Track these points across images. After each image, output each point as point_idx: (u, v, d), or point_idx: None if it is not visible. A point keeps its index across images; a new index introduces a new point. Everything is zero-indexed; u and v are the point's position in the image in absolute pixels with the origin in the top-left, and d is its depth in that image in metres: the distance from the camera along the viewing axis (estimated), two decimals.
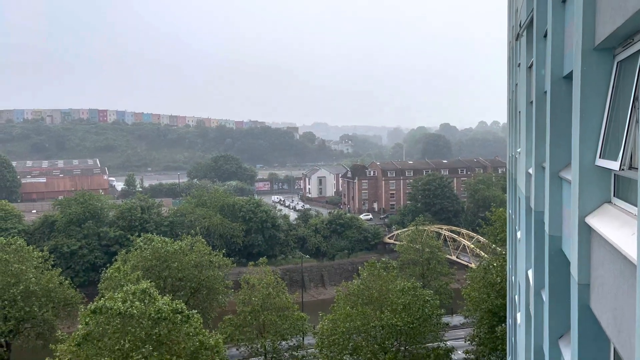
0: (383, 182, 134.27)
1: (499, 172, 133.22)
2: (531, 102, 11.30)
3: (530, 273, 11.32)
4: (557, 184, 8.04)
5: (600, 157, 5.38)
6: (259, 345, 41.98)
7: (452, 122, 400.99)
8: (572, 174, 6.01)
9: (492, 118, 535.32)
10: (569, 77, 7.39)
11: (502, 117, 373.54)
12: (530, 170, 11.45)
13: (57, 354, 31.30)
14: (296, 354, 42.80)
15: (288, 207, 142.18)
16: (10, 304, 45.02)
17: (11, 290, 44.99)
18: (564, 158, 7.86)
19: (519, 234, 16.20)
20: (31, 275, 46.76)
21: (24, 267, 46.88)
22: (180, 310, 32.52)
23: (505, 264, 35.58)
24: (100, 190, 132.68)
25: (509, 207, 24.39)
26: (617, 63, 5.19)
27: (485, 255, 60.20)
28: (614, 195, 5.31)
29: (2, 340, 46.60)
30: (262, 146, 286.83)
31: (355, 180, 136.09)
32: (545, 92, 9.05)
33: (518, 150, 17.08)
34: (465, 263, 79.54)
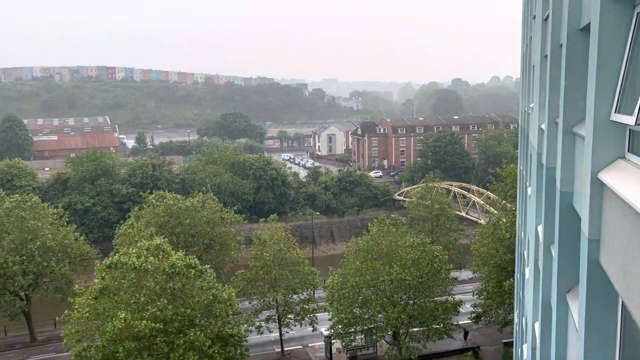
0: (393, 139, 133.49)
1: (511, 128, 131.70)
2: (546, 56, 11.04)
3: (540, 229, 11.37)
4: (570, 140, 7.95)
5: (615, 112, 5.29)
6: (270, 299, 42.98)
7: (464, 78, 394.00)
8: (586, 130, 5.93)
9: (505, 73, 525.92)
10: (586, 29, 7.18)
11: (516, 72, 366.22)
12: (543, 126, 11.31)
13: (76, 306, 32.30)
14: (307, 307, 43.82)
15: (298, 164, 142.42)
16: (28, 259, 46.20)
17: (29, 246, 46.09)
18: (578, 113, 7.74)
19: (529, 190, 16.16)
20: (47, 232, 47.74)
21: (39, 224, 47.82)
22: (193, 265, 33.20)
23: (515, 220, 35.71)
24: (111, 148, 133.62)
25: (520, 163, 24.25)
26: (638, 14, 5.02)
27: (495, 212, 60.36)
28: (628, 151, 5.25)
29: (22, 293, 48.08)
30: (271, 103, 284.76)
31: (365, 138, 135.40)
32: (561, 45, 8.83)
33: (531, 105, 16.82)
34: (475, 219, 79.88)
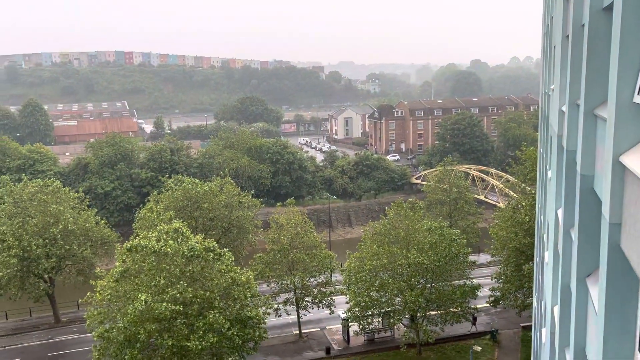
0: (411, 122, 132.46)
1: (531, 110, 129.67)
2: (567, 36, 10.80)
3: (560, 212, 11.23)
4: (591, 122, 7.80)
5: (638, 94, 5.16)
6: (288, 282, 43.37)
7: (484, 59, 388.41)
8: (607, 112, 5.80)
9: (525, 54, 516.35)
10: (609, 8, 6.99)
11: (536, 53, 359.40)
12: (564, 108, 11.11)
13: (97, 289, 32.99)
14: (324, 290, 44.15)
15: (314, 148, 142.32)
16: (51, 243, 47.19)
17: (51, 230, 47.04)
18: (599, 95, 7.57)
19: (549, 173, 15.94)
20: (69, 216, 48.63)
21: (61, 208, 48.71)
22: (212, 248, 33.60)
23: (534, 204, 35.33)
24: (130, 133, 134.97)
25: (540, 145, 23.90)
26: None
27: (514, 195, 59.79)
28: None
29: (46, 276, 49.23)
30: (288, 87, 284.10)
31: (382, 121, 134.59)
32: (583, 25, 8.61)
33: (552, 87, 16.51)
34: (494, 202, 79.23)
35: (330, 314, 44.78)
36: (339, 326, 46.24)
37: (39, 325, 50.94)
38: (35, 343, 47.25)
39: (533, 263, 31.57)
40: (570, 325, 9.11)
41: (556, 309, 11.51)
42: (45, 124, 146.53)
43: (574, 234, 8.62)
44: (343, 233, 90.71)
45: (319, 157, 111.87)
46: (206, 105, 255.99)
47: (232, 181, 56.15)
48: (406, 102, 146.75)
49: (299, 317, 45.45)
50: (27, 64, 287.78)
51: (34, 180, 53.11)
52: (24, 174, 66.50)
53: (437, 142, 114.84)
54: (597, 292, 6.56)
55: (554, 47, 15.48)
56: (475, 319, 45.02)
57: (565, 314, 10.24)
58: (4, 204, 49.73)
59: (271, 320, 42.70)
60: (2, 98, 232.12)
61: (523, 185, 52.63)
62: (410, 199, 50.73)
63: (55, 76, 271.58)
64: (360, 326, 40.89)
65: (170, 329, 31.63)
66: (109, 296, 32.35)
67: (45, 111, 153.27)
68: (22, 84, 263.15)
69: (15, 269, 45.14)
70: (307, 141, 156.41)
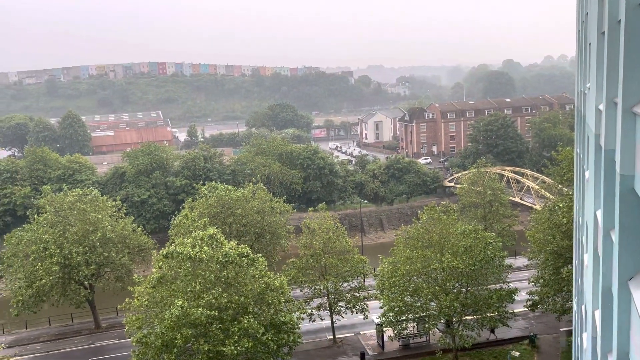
0: (442, 124, 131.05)
1: (566, 109, 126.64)
2: (603, 33, 10.54)
3: (599, 213, 10.95)
4: (630, 120, 7.59)
5: None
6: (321, 287, 43.38)
7: (516, 58, 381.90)
8: None
9: (559, 52, 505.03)
10: None
11: (571, 51, 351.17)
12: (601, 107, 10.84)
13: (135, 295, 33.70)
14: (357, 294, 43.99)
15: (345, 153, 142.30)
16: (90, 250, 48.49)
17: (90, 237, 48.35)
18: (638, 92, 7.38)
19: (587, 174, 15.55)
20: (107, 224, 49.89)
21: (100, 216, 50.02)
22: (245, 254, 33.91)
23: (572, 205, 34.48)
24: (165, 142, 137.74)
25: (577, 145, 23.32)
26: None
27: (551, 196, 58.44)
28: None
29: (86, 283, 50.58)
30: (317, 92, 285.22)
31: (413, 124, 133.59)
32: (619, 20, 8.40)
33: (587, 85, 16.12)
34: (530, 204, 77.55)
35: (364, 319, 44.57)
36: (373, 331, 45.97)
37: (81, 331, 52.35)
38: (77, 348, 48.55)
39: (572, 266, 30.74)
40: (612, 330, 8.85)
41: (597, 313, 11.20)
42: (84, 134, 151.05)
43: (615, 236, 8.39)
44: (375, 237, 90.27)
45: (350, 161, 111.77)
46: (237, 112, 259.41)
47: (264, 187, 56.64)
48: (437, 104, 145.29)
49: (332, 322, 45.39)
50: (65, 77, 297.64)
51: (74, 190, 54.71)
52: (64, 184, 68.70)
53: (470, 143, 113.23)
54: None
55: (589, 44, 15.13)
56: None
57: (607, 318, 9.96)
58: (45, 213, 51.39)
59: (305, 325, 42.77)
60: (43, 110, 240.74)
61: (560, 186, 51.42)
62: (443, 202, 50.22)
63: (92, 88, 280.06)
64: (395, 331, 40.53)
65: (206, 334, 32.03)
66: (146, 302, 33.01)
67: (83, 122, 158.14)
68: (61, 97, 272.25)
69: (57, 276, 46.52)
70: (337, 146, 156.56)
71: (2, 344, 36.65)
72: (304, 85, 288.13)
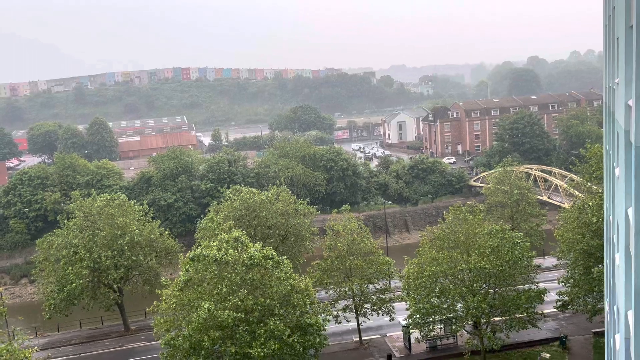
0: (467, 123, 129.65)
1: (594, 105, 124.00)
2: (631, 27, 10.29)
3: (631, 211, 10.68)
4: None
5: None
6: (346, 289, 43.30)
7: (542, 55, 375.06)
8: None
9: (586, 47, 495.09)
10: None
11: (598, 46, 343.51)
12: (630, 102, 10.58)
13: (163, 298, 34.17)
14: (383, 296, 43.78)
15: (368, 154, 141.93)
16: (119, 254, 49.36)
17: (118, 242, 49.22)
18: None
19: (617, 171, 15.18)
20: (134, 228, 50.71)
21: (127, 220, 50.88)
22: (270, 256, 34.07)
23: (602, 203, 33.74)
24: (190, 146, 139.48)
25: (606, 142, 22.80)
26: None
27: (580, 195, 57.26)
28: None
29: (115, 286, 51.50)
30: (339, 94, 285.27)
31: (437, 123, 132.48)
32: None
33: (616, 80, 15.75)
34: (558, 203, 76.14)
35: (390, 320, 44.32)
36: (399, 333, 45.69)
37: (110, 334, 53.31)
38: (107, 350, 49.47)
39: (603, 265, 30.04)
40: None
41: (630, 314, 10.91)
42: (111, 140, 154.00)
43: None
44: (400, 239, 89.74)
45: (373, 163, 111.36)
46: (261, 116, 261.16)
47: (288, 189, 56.83)
48: (461, 103, 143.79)
49: (358, 324, 45.26)
50: (92, 84, 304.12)
51: (102, 195, 55.80)
52: (92, 189, 70.02)
53: (496, 142, 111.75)
54: None
55: (617, 38, 14.78)
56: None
57: None
58: (75, 218, 52.52)
59: (331, 327, 42.74)
60: (71, 117, 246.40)
61: (589, 184, 50.36)
62: (469, 202, 49.61)
63: (118, 95, 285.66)
64: (422, 333, 40.18)
65: (233, 336, 32.28)
66: (174, 305, 33.43)
67: (110, 128, 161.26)
68: (88, 104, 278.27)
69: (87, 279, 47.52)
70: (360, 147, 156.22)
71: (36, 347, 37.51)
72: (326, 87, 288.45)
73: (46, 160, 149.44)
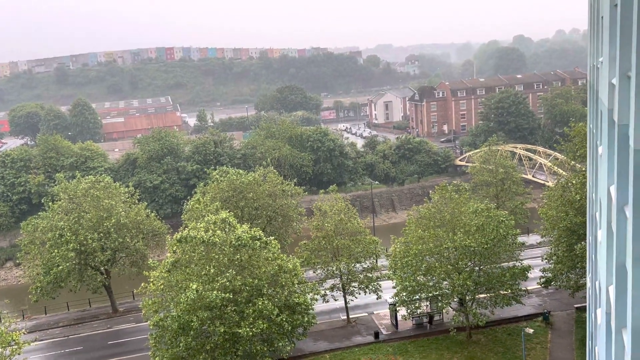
0: (453, 102, 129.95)
1: (579, 84, 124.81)
2: (615, 5, 10.33)
3: (613, 189, 10.85)
4: None
5: None
6: (334, 268, 43.64)
7: (527, 34, 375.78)
8: None
9: (571, 26, 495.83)
10: None
11: (583, 24, 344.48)
12: (614, 81, 10.67)
13: (151, 279, 34.18)
14: (370, 275, 44.22)
15: (355, 134, 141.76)
16: (105, 236, 49.13)
17: (105, 224, 48.94)
18: None
19: (600, 149, 15.38)
20: (121, 210, 50.42)
21: (113, 202, 50.55)
22: (258, 237, 34.18)
23: (585, 181, 34.20)
24: (175, 127, 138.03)
25: (590, 121, 23.03)
26: None
27: (564, 173, 57.94)
28: None
29: (102, 268, 51.35)
30: (326, 74, 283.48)
31: (423, 103, 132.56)
32: None
33: (600, 59, 15.85)
34: (542, 182, 77.03)
35: (377, 299, 44.86)
36: (386, 311, 46.30)
37: (98, 315, 53.32)
38: (95, 332, 49.52)
39: (585, 242, 30.60)
40: (627, 305, 8.84)
41: (611, 289, 11.18)
42: (94, 121, 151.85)
43: (629, 212, 8.33)
44: (387, 218, 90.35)
45: (360, 143, 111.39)
46: (246, 96, 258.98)
47: (275, 170, 56.76)
48: (447, 83, 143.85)
49: (346, 303, 45.77)
50: (74, 64, 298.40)
51: (87, 177, 55.23)
52: (77, 171, 69.20)
53: (481, 121, 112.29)
54: None
55: (602, 17, 14.84)
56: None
57: (622, 294, 9.94)
58: (60, 200, 52.02)
59: (319, 306, 43.14)
60: (53, 99, 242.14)
61: (572, 162, 50.93)
62: (455, 182, 49.94)
63: (101, 75, 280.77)
64: (408, 310, 40.78)
65: (222, 317, 32.49)
66: (162, 286, 33.49)
67: (94, 109, 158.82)
68: (70, 85, 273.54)
69: (74, 262, 47.26)
70: (347, 127, 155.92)
71: (23, 330, 37.46)
72: (312, 67, 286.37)
73: (28, 142, 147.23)
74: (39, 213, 53.74)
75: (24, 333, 35.67)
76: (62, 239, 47.28)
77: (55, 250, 46.92)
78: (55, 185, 56.62)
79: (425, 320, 44.31)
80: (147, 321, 35.18)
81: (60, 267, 46.22)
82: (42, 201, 58.12)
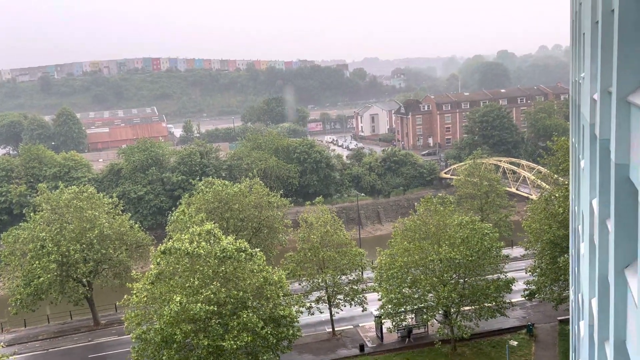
0: (438, 116, 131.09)
1: (561, 99, 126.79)
2: (597, 22, 10.56)
3: (595, 203, 11.00)
4: (624, 109, 7.62)
5: None
6: (319, 280, 43.49)
7: (511, 49, 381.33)
8: None
9: (553, 42, 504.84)
10: None
11: (565, 40, 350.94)
12: (596, 96, 10.87)
13: (134, 291, 33.70)
14: (356, 287, 44.12)
15: (341, 146, 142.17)
16: (88, 247, 48.40)
17: (87, 235, 48.24)
18: (632, 81, 7.40)
19: (582, 163, 15.61)
20: (104, 221, 49.78)
21: (97, 213, 49.90)
22: (243, 249, 33.95)
23: (568, 194, 34.62)
24: (160, 138, 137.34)
25: (572, 135, 23.39)
26: None
27: (547, 186, 58.64)
28: None
29: (84, 280, 50.52)
30: (313, 86, 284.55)
31: (409, 116, 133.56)
32: (613, 10, 8.41)
33: (582, 75, 16.15)
34: (526, 195, 77.84)
35: (362, 311, 44.74)
36: (372, 323, 46.16)
37: (80, 328, 52.36)
38: (76, 345, 48.59)
39: (568, 255, 30.90)
40: (609, 318, 8.92)
41: (594, 302, 11.28)
42: (79, 131, 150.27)
43: (610, 225, 8.44)
44: (372, 230, 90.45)
45: (346, 155, 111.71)
46: (233, 107, 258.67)
47: (261, 182, 56.61)
48: (433, 96, 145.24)
49: (331, 315, 45.55)
50: (59, 74, 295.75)
51: (70, 187, 54.54)
52: (60, 182, 68.28)
53: (466, 135, 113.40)
54: (636, 283, 6.43)
55: (583, 34, 15.15)
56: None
57: (604, 307, 10.03)
58: (42, 211, 51.24)
59: (304, 319, 42.90)
60: (37, 108, 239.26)
61: (555, 176, 51.62)
62: (440, 194, 50.31)
63: (86, 85, 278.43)
64: (394, 323, 40.71)
65: (206, 329, 32.11)
66: (145, 298, 33.03)
67: (78, 119, 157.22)
68: (55, 94, 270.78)
69: (55, 273, 46.44)
70: (333, 139, 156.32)
71: (1, 343, 36.65)
72: (299, 79, 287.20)
73: (11, 152, 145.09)
74: (20, 224, 52.85)
75: (2, 346, 34.90)
76: (44, 250, 46.49)
77: (36, 262, 46.08)
78: (38, 195, 55.78)
79: (412, 332, 44.25)
80: (129, 334, 34.62)
81: (42, 278, 45.40)
82: (24, 212, 57.31)
